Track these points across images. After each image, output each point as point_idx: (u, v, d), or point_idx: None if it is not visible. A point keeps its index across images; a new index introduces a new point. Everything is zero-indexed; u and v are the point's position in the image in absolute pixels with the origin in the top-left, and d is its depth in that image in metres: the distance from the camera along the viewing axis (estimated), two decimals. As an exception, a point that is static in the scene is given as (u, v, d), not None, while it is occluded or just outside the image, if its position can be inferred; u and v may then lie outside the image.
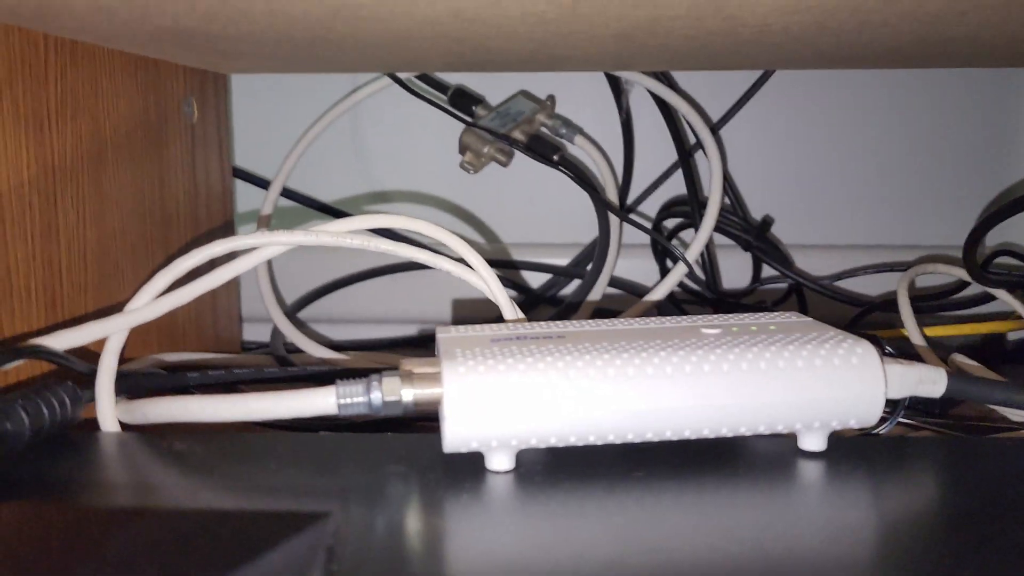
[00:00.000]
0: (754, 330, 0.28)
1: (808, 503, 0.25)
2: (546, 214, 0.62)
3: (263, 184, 0.58)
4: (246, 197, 0.61)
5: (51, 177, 0.37)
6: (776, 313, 0.31)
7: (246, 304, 0.60)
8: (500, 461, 0.26)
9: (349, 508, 0.23)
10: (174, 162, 0.48)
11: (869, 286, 0.59)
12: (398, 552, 0.21)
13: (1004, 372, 0.52)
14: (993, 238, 0.59)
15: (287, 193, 0.59)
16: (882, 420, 0.31)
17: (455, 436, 0.25)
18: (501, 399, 0.25)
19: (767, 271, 0.59)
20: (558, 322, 0.30)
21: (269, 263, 0.57)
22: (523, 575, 0.20)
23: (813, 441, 0.27)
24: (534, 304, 0.61)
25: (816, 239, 0.61)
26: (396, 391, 0.26)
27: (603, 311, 0.56)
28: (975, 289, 0.50)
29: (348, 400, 0.26)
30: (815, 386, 0.26)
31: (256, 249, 0.31)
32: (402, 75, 0.56)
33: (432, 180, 0.62)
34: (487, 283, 0.33)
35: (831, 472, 0.26)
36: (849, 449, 0.28)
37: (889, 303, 0.49)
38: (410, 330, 0.62)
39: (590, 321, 0.30)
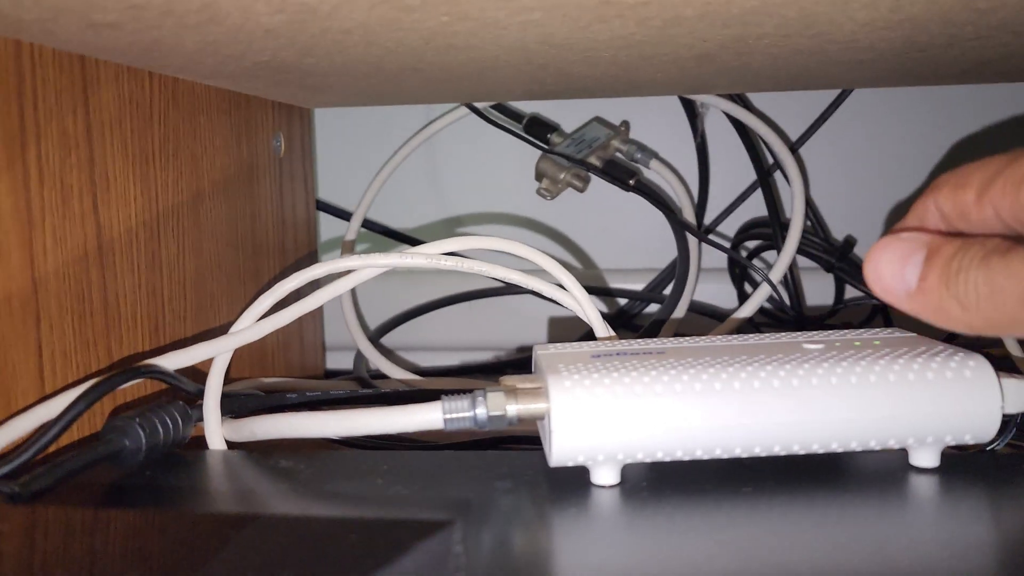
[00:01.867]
0: (858, 345, 0.28)
1: (924, 520, 0.24)
2: (623, 239, 0.63)
3: (345, 216, 0.60)
4: (327, 228, 0.63)
5: (155, 211, 0.39)
6: (878, 329, 0.31)
7: (329, 332, 0.62)
8: (606, 475, 0.26)
9: (468, 519, 0.23)
10: (264, 195, 0.50)
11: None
12: (518, 563, 0.21)
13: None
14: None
15: (369, 224, 0.60)
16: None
17: (562, 449, 0.25)
18: (607, 412, 0.25)
19: (849, 292, 0.58)
20: (655, 339, 0.30)
21: (353, 290, 0.58)
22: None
23: (926, 457, 0.27)
24: (614, 327, 0.61)
25: (900, 259, 0.60)
26: (501, 406, 0.26)
27: (684, 336, 0.56)
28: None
29: (454, 415, 0.26)
30: (927, 400, 0.25)
31: (353, 272, 0.32)
32: (479, 105, 0.57)
33: (509, 208, 0.63)
34: (580, 303, 0.33)
35: (946, 488, 0.26)
36: (963, 465, 0.27)
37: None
38: (485, 356, 0.62)
39: (687, 338, 0.30)
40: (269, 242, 0.51)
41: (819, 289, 0.59)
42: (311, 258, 0.57)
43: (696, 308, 0.59)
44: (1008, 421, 0.29)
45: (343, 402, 0.34)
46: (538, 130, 0.58)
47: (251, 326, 0.32)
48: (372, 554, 0.18)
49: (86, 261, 0.34)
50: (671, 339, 0.30)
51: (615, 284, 0.62)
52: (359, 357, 0.54)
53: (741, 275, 0.58)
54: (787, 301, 0.57)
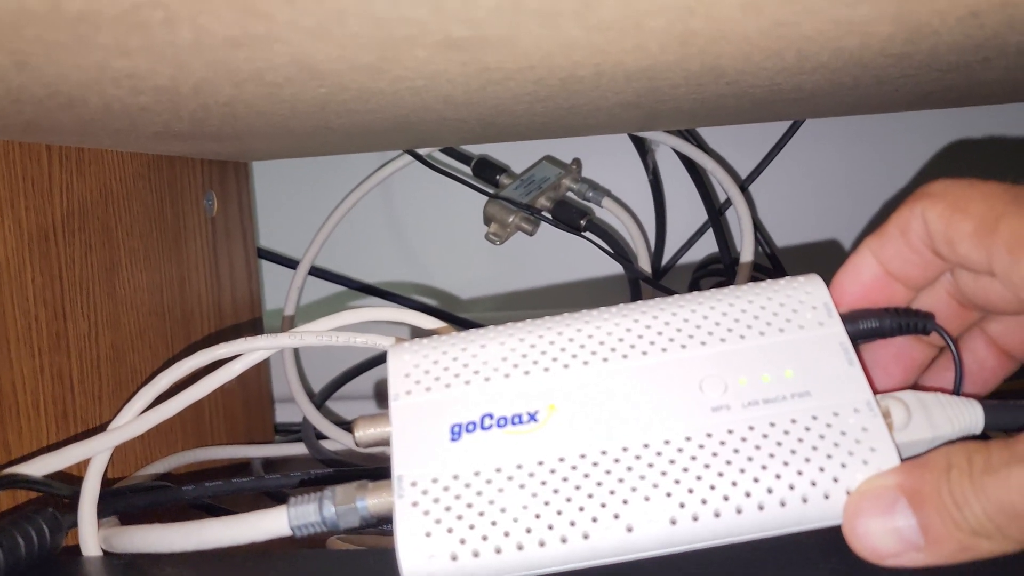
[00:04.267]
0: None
1: None
2: (580, 277, 0.61)
3: (291, 265, 0.58)
4: (280, 280, 0.61)
5: (59, 288, 0.37)
6: None
7: (278, 386, 0.60)
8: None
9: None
10: (194, 257, 0.48)
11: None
12: None
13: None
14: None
15: (320, 272, 0.59)
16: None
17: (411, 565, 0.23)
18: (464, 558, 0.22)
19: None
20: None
21: (296, 351, 0.56)
22: None
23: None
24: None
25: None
26: (351, 502, 0.24)
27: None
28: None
29: (300, 521, 0.24)
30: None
31: (240, 356, 0.30)
32: (423, 150, 0.55)
33: (463, 252, 0.61)
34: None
35: None
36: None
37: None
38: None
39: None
40: (202, 305, 0.49)
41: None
42: (254, 320, 0.55)
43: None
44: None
45: (245, 491, 0.32)
46: (487, 172, 0.56)
47: (132, 421, 0.30)
48: None
49: (-28, 352, 0.32)
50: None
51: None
52: (305, 421, 0.52)
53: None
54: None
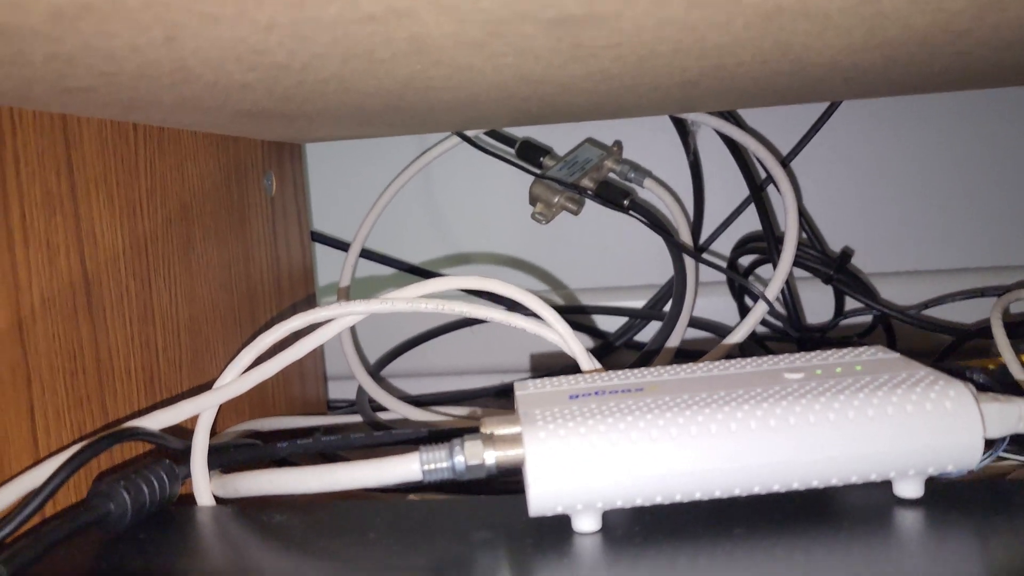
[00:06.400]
0: (839, 372, 0.28)
1: (909, 555, 0.24)
2: (622, 257, 0.62)
3: (343, 247, 0.60)
4: (329, 260, 0.63)
5: (145, 261, 0.39)
6: (861, 349, 0.31)
7: (331, 363, 0.62)
8: (586, 522, 0.26)
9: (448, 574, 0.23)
10: (257, 236, 0.50)
11: (962, 313, 0.57)
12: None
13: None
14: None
15: (368, 254, 0.61)
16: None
17: (540, 500, 0.25)
18: (583, 461, 0.25)
19: (851, 303, 0.57)
20: (636, 370, 0.30)
21: (353, 328, 0.58)
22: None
23: (909, 488, 0.26)
24: (612, 348, 0.61)
25: (900, 267, 0.59)
26: (479, 455, 0.26)
27: (684, 353, 0.56)
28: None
29: (432, 466, 0.26)
30: (908, 433, 0.25)
31: (333, 320, 0.32)
32: (471, 132, 0.57)
33: (508, 232, 0.63)
34: (563, 337, 0.33)
35: (931, 520, 0.25)
36: (948, 494, 0.27)
37: (985, 330, 0.47)
38: (494, 380, 0.62)
39: (669, 368, 0.30)
40: (264, 282, 0.51)
41: (820, 301, 0.59)
42: (309, 296, 0.57)
43: (698, 324, 0.59)
44: (992, 443, 0.29)
45: (333, 450, 0.34)
46: (531, 154, 0.58)
47: (235, 380, 0.32)
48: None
49: (76, 318, 0.34)
50: (652, 371, 0.30)
51: (617, 302, 0.62)
52: (360, 391, 0.54)
53: (740, 290, 0.58)
54: (787, 315, 0.56)
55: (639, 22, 0.24)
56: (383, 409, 0.53)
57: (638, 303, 0.61)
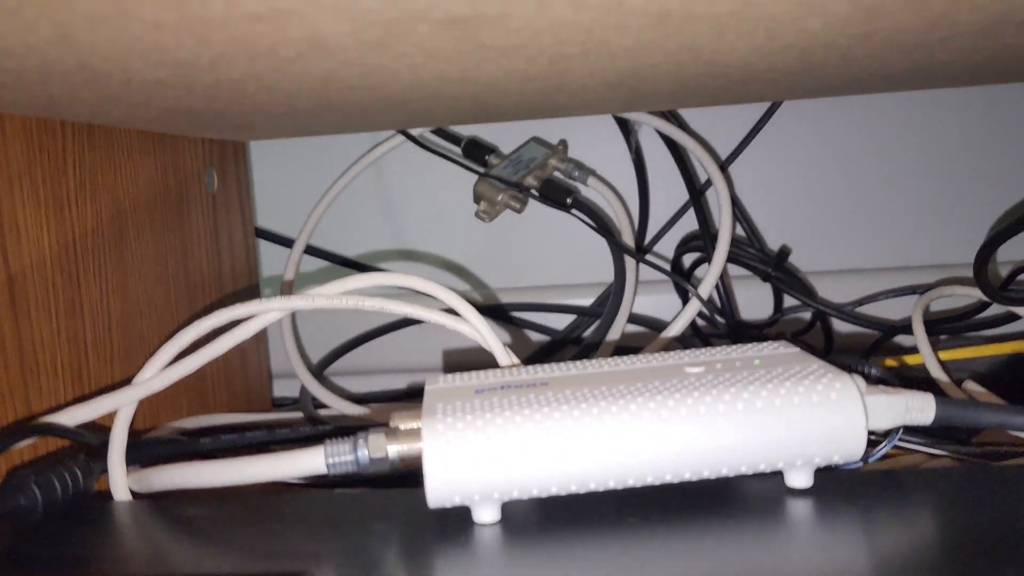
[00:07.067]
0: (738, 366, 0.29)
1: (796, 543, 0.25)
2: (568, 255, 0.63)
3: (287, 243, 0.60)
4: (280, 258, 0.63)
5: (73, 255, 0.39)
6: (765, 344, 0.31)
7: (279, 361, 0.62)
8: (486, 513, 0.26)
9: (325, 567, 0.24)
10: (196, 231, 0.51)
11: (895, 309, 0.58)
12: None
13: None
14: (1017, 253, 0.58)
15: (314, 250, 0.61)
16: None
17: (436, 492, 0.26)
18: (479, 454, 0.25)
19: (791, 300, 0.58)
20: (546, 366, 0.31)
21: (294, 322, 0.59)
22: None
23: (799, 478, 0.27)
24: (561, 345, 0.62)
25: (836, 265, 0.60)
26: (382, 448, 0.26)
27: (625, 348, 0.56)
28: (1002, 308, 0.49)
29: (336, 459, 0.27)
30: (794, 424, 0.26)
31: (255, 316, 0.33)
32: (416, 130, 0.57)
33: (454, 229, 0.64)
34: (480, 332, 0.33)
35: (818, 509, 0.26)
36: (836, 484, 0.28)
37: (909, 327, 0.48)
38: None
39: (578, 363, 0.31)
40: (204, 277, 0.51)
41: (762, 298, 0.60)
42: (252, 291, 0.58)
43: (640, 320, 0.60)
44: (890, 433, 0.30)
45: (256, 445, 0.34)
46: (476, 152, 0.59)
47: (155, 376, 0.32)
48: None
49: (-4, 313, 0.35)
50: (560, 366, 0.30)
51: (566, 300, 0.63)
52: (303, 390, 0.55)
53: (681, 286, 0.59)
54: (721, 312, 0.57)
55: (532, 23, 0.25)
56: (325, 407, 0.54)
57: (587, 300, 0.62)
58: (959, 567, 0.22)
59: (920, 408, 0.28)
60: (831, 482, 0.28)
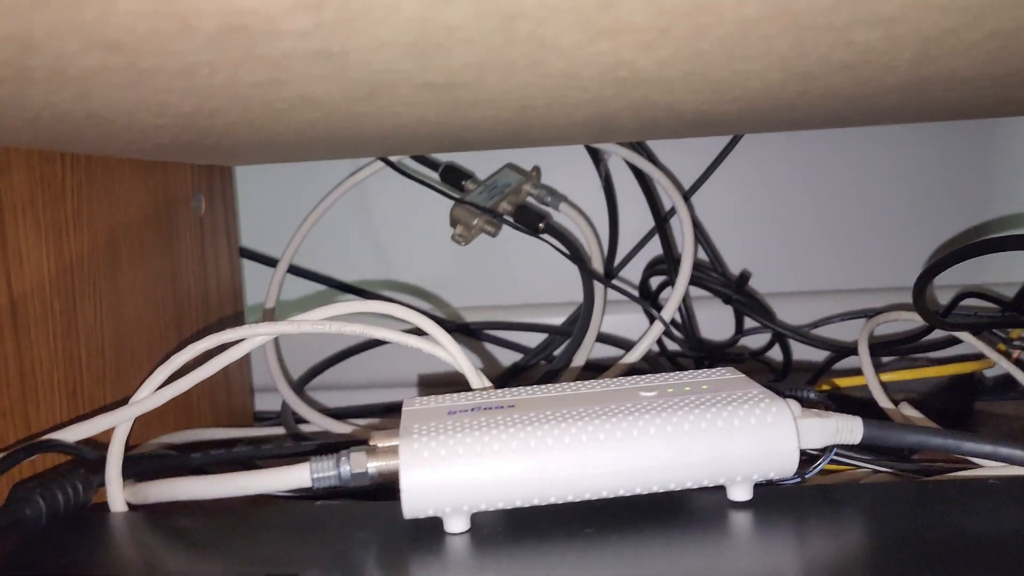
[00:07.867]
0: (687, 390, 0.32)
1: (735, 551, 0.28)
2: (540, 276, 0.66)
3: (271, 263, 0.63)
4: (263, 279, 0.66)
5: (70, 279, 0.42)
6: (714, 370, 0.35)
7: (260, 377, 0.64)
8: (456, 524, 0.29)
9: (316, 571, 0.27)
10: (185, 254, 0.53)
11: (846, 331, 0.62)
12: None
13: (979, 410, 0.55)
14: (966, 278, 0.61)
15: (297, 271, 0.64)
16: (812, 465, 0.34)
17: (411, 504, 0.28)
18: (451, 470, 0.28)
19: (751, 322, 0.62)
20: (513, 389, 0.34)
21: (277, 341, 0.61)
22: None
23: (739, 492, 0.30)
24: (532, 363, 0.65)
25: (794, 287, 0.64)
26: (363, 464, 0.29)
27: (593, 367, 0.60)
28: (944, 332, 0.52)
29: (321, 474, 0.29)
30: (732, 444, 0.29)
31: (244, 340, 0.35)
32: (395, 157, 0.60)
33: (432, 251, 0.66)
34: (453, 356, 0.36)
35: (756, 520, 0.29)
36: (775, 497, 0.31)
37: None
38: (414, 393, 0.66)
39: (543, 387, 0.34)
40: (192, 298, 0.54)
41: (723, 320, 0.63)
42: (236, 313, 0.60)
43: (609, 340, 0.63)
44: (825, 451, 0.33)
45: (243, 460, 0.37)
46: (453, 177, 0.62)
47: (149, 396, 0.35)
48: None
49: (1, 335, 0.37)
50: (528, 388, 0.33)
51: (536, 319, 0.66)
52: (285, 405, 0.57)
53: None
54: (687, 334, 0.61)
55: (500, 87, 0.28)
56: (305, 422, 0.56)
57: (559, 319, 0.65)
58: (881, 572, 0.25)
59: (849, 429, 0.31)
60: (771, 495, 0.31)
